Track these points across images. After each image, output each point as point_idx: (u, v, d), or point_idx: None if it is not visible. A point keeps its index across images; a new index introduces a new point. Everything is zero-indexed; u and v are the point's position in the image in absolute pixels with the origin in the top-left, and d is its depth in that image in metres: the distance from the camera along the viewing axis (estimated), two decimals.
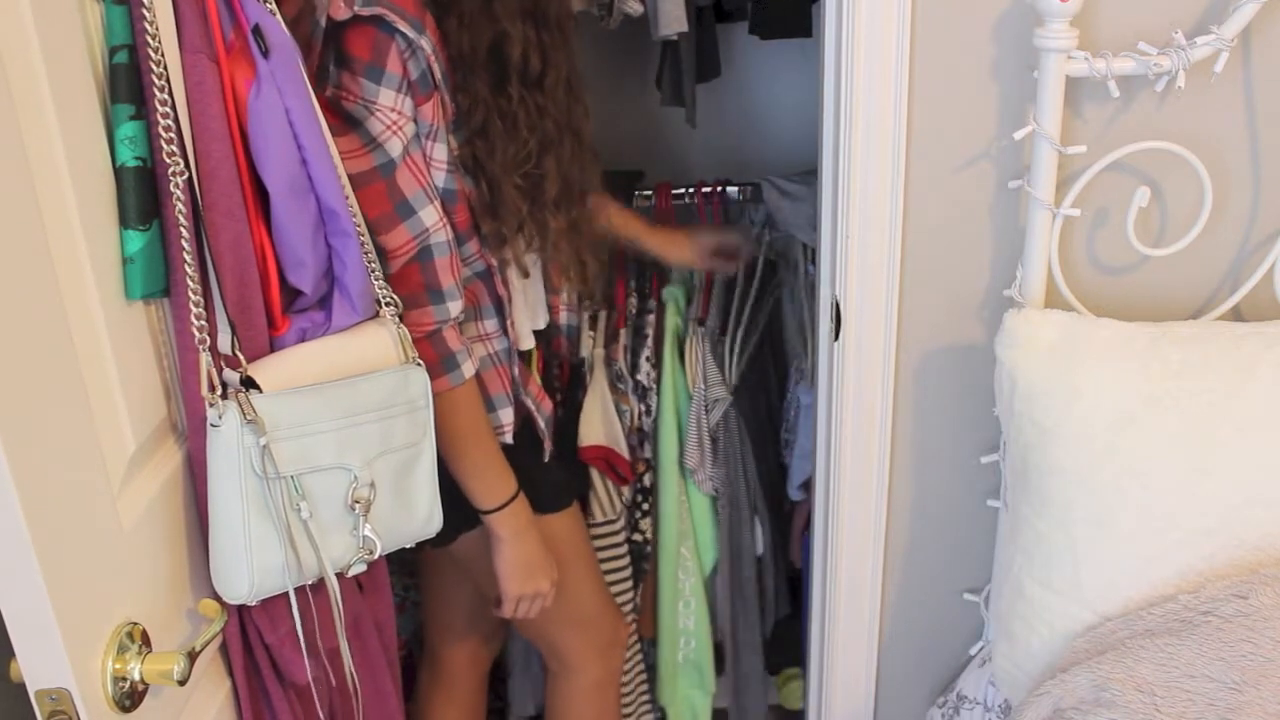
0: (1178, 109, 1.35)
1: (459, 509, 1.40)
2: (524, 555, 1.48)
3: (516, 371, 1.52)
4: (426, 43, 1.26)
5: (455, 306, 1.36)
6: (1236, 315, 1.44)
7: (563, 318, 1.71)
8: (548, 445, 1.62)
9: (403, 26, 1.23)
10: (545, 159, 1.40)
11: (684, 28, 1.82)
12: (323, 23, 1.23)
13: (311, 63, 1.24)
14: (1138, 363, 1.29)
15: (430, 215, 1.31)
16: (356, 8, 1.21)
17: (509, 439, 1.51)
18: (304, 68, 1.12)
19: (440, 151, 1.33)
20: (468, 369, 1.38)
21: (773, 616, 2.17)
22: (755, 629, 2.13)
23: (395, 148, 1.27)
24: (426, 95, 1.29)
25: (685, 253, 2.00)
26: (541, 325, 1.60)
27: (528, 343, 1.57)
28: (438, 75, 1.29)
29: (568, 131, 1.43)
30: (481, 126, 1.34)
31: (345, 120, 1.25)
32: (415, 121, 1.29)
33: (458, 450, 1.39)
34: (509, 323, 1.49)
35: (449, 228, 1.34)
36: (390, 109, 1.25)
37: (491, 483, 1.44)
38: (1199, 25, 1.31)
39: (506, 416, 1.50)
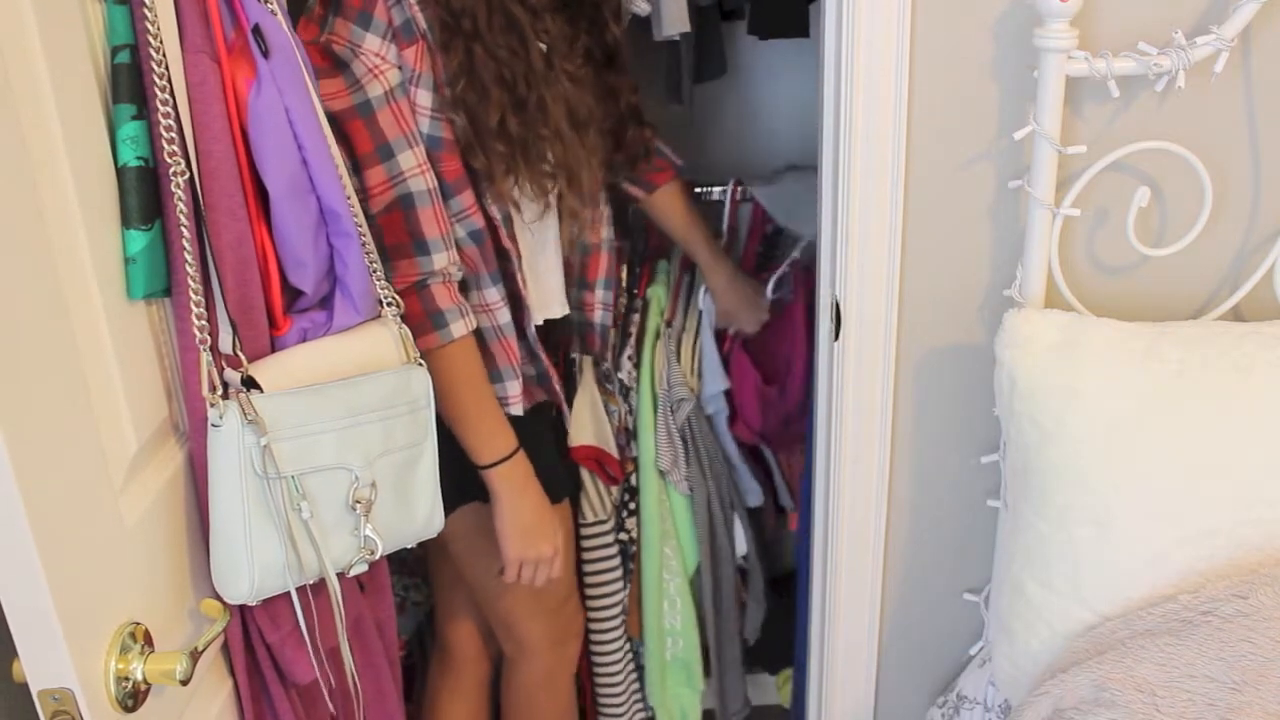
0: (1178, 109, 1.36)
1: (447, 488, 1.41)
2: (524, 515, 1.49)
3: (532, 337, 1.53)
4: None
5: (441, 259, 1.38)
6: (1236, 315, 1.44)
7: (597, 315, 1.71)
8: (567, 411, 1.65)
9: None
10: (535, 90, 1.43)
11: (686, 28, 1.83)
12: None
13: (314, 10, 1.33)
14: (1138, 363, 1.30)
15: (409, 160, 1.35)
16: None
17: (517, 410, 1.51)
18: (305, 68, 1.12)
19: (425, 98, 1.37)
20: (458, 328, 1.39)
21: (760, 615, 2.16)
22: (734, 628, 2.13)
23: (375, 90, 1.33)
24: (410, 41, 1.35)
25: (749, 313, 1.97)
26: (556, 315, 1.60)
27: (543, 313, 1.57)
28: (422, 24, 1.35)
29: (559, 61, 1.46)
30: (469, 64, 1.38)
31: (335, 64, 1.32)
32: (400, 69, 1.35)
33: (450, 402, 1.40)
34: (521, 282, 1.48)
35: (432, 176, 1.37)
36: (374, 53, 1.33)
37: (487, 437, 1.45)
38: (1199, 25, 1.31)
39: (514, 388, 1.51)
